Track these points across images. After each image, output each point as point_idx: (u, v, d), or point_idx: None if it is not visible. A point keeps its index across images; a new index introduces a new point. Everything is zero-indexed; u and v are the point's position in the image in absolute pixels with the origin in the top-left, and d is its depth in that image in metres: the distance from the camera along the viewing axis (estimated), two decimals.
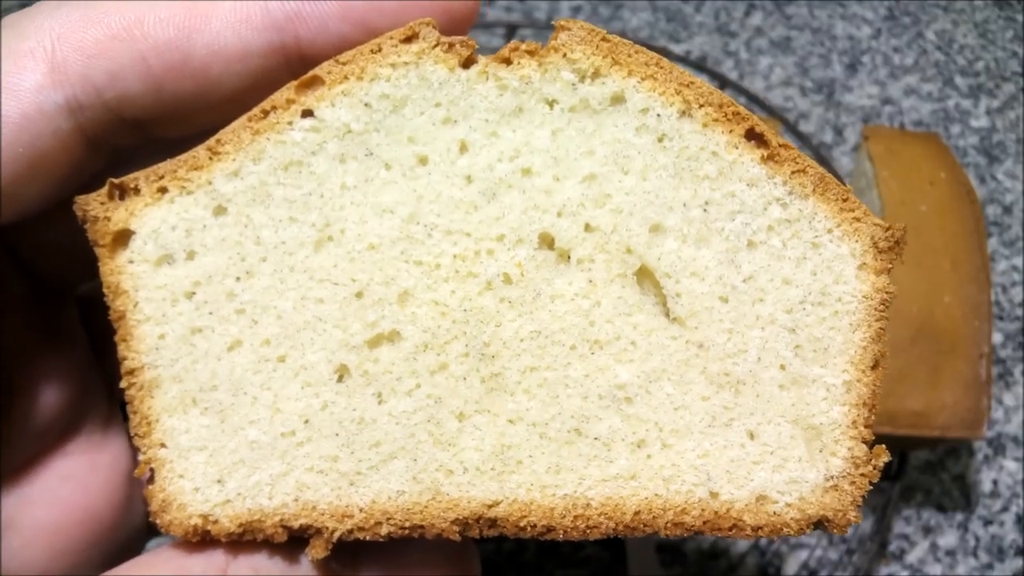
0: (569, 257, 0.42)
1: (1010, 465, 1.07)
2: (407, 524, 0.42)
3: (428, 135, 0.41)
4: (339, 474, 0.42)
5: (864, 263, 0.41)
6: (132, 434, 0.41)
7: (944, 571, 1.02)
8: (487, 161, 0.41)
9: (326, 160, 0.40)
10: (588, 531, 0.42)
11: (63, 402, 0.45)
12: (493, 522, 0.42)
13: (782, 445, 0.42)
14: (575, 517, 0.42)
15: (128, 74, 0.38)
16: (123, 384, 0.41)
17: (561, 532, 0.42)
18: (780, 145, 0.41)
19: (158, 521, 0.41)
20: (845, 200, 0.41)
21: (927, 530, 1.04)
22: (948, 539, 1.04)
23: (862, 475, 0.42)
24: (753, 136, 0.41)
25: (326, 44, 0.40)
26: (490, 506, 0.42)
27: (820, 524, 0.43)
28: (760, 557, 0.99)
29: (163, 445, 0.41)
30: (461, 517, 0.42)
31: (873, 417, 0.42)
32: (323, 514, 0.42)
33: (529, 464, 0.42)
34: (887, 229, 0.41)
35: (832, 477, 0.42)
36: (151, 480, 0.41)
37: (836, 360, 0.42)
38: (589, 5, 1.25)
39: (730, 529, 0.42)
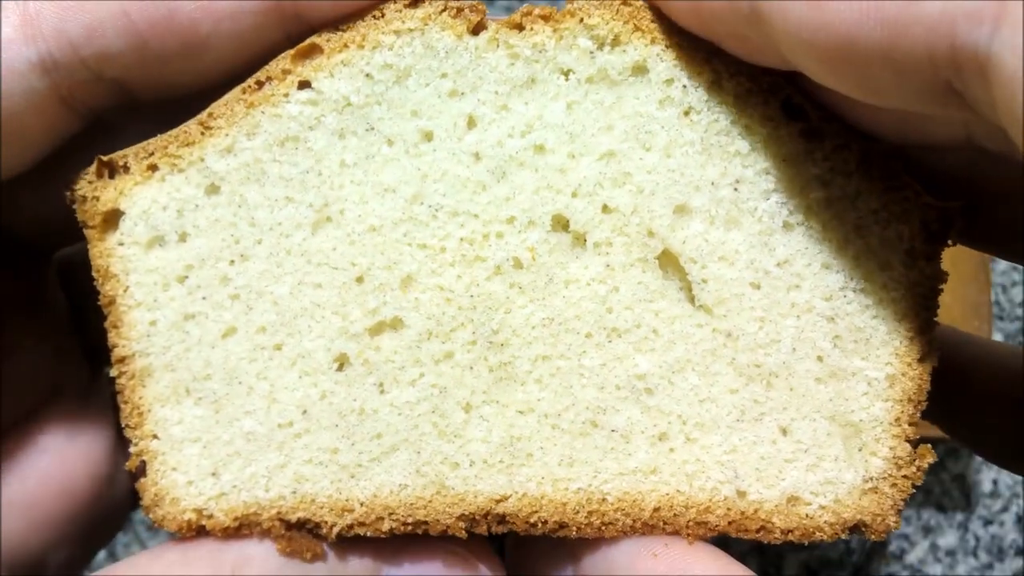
0: (585, 241, 0.38)
1: None
2: (410, 520, 0.39)
3: (433, 108, 0.37)
4: (339, 466, 0.39)
5: (913, 247, 0.37)
6: (123, 425, 0.39)
7: (944, 571, 1.00)
8: (496, 137, 0.37)
9: (324, 135, 0.37)
10: (603, 528, 0.39)
11: (39, 370, 0.43)
12: (502, 518, 0.39)
13: (817, 443, 0.38)
14: (589, 513, 0.39)
15: (108, 29, 0.34)
16: (113, 372, 0.39)
17: (574, 529, 0.39)
18: (821, 118, 0.36)
19: (151, 516, 0.39)
20: (893, 178, 0.37)
21: (927, 530, 1.02)
22: (948, 539, 1.02)
23: (904, 477, 0.38)
24: (791, 108, 0.37)
25: (325, 2, 0.36)
26: (498, 501, 0.39)
27: (856, 529, 0.39)
28: (760, 557, 0.96)
29: (155, 436, 0.39)
30: (467, 513, 0.38)
31: (919, 414, 0.38)
32: (322, 507, 0.39)
33: (540, 456, 0.39)
34: (940, 210, 0.36)
35: (871, 478, 0.38)
36: (143, 473, 0.39)
37: (879, 352, 0.38)
38: None
39: (758, 531, 0.39)
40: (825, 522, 0.39)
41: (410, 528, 0.39)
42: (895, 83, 0.28)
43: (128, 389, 0.39)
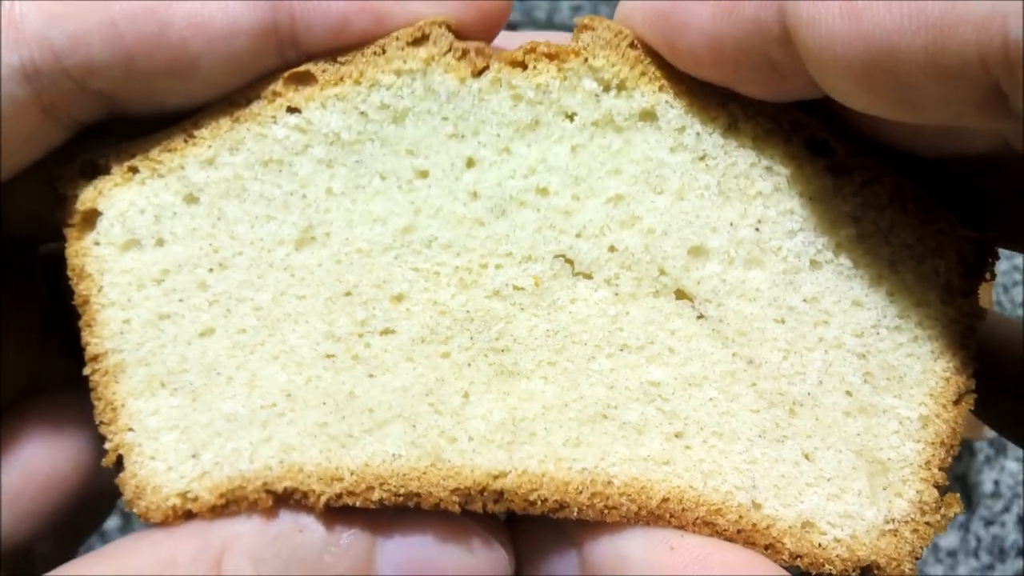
0: (592, 276, 0.36)
1: (1011, 466, 1.03)
2: (402, 491, 0.36)
3: (430, 148, 0.35)
4: (328, 436, 0.37)
5: (950, 282, 0.34)
6: (97, 422, 0.38)
7: (945, 571, 0.99)
8: (496, 178, 0.35)
9: (311, 163, 0.35)
10: (606, 512, 0.36)
11: (24, 361, 0.42)
12: (499, 495, 0.36)
13: (841, 474, 0.36)
14: (593, 495, 0.36)
15: (94, 39, 0.32)
16: (87, 371, 0.37)
17: (576, 510, 0.36)
18: (848, 152, 0.34)
19: (134, 509, 0.38)
20: (928, 211, 0.34)
21: None
22: (949, 540, 1.01)
23: (927, 524, 0.36)
24: (815, 144, 0.34)
25: (325, 28, 0.34)
26: (496, 477, 0.36)
27: (868, 570, 0.36)
28: None
29: (130, 429, 0.38)
30: (463, 487, 0.36)
31: (950, 460, 0.35)
32: (310, 476, 0.36)
33: (544, 436, 0.36)
34: (977, 242, 0.34)
35: (893, 520, 0.36)
36: (121, 468, 0.38)
37: (913, 391, 0.35)
38: (590, 5, 1.18)
39: (765, 547, 0.36)
40: (837, 556, 0.36)
41: (401, 500, 0.36)
42: (939, 93, 0.26)
43: (101, 386, 0.37)
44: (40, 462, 0.41)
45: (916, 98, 0.27)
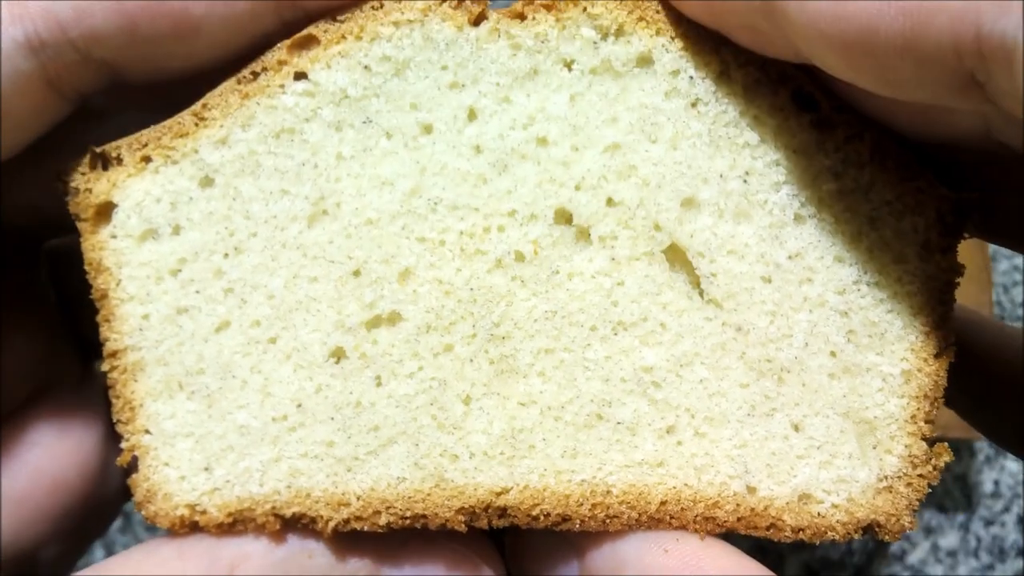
0: (589, 235, 0.36)
1: (1011, 465, 1.03)
2: (408, 514, 0.37)
3: (433, 101, 0.36)
4: (335, 459, 0.37)
5: (928, 240, 0.35)
6: (115, 420, 0.38)
7: (945, 572, 0.98)
8: (498, 129, 0.36)
9: (320, 128, 0.36)
10: (608, 521, 0.37)
11: (30, 362, 0.41)
12: (503, 511, 0.37)
13: (830, 440, 0.37)
14: (594, 505, 0.37)
15: (97, 9, 0.32)
16: (105, 367, 0.37)
17: (578, 522, 0.37)
18: (832, 107, 0.35)
19: (143, 512, 0.38)
20: (907, 168, 0.35)
21: (928, 531, 1.00)
22: (949, 540, 1.00)
23: (920, 476, 0.36)
24: (801, 98, 0.35)
25: None
26: (499, 493, 0.37)
27: (869, 529, 0.37)
28: (761, 557, 0.94)
29: (147, 431, 0.38)
30: (467, 506, 0.37)
31: (935, 411, 0.36)
32: (318, 502, 0.37)
33: (542, 448, 0.37)
34: (955, 201, 0.35)
35: (886, 477, 0.37)
36: (135, 468, 0.38)
37: (894, 347, 0.36)
38: None
39: (768, 528, 0.37)
40: (837, 521, 0.37)
41: (408, 523, 0.37)
42: (916, 75, 0.27)
43: (120, 384, 0.37)
44: (46, 466, 0.41)
45: (895, 77, 0.28)
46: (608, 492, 0.37)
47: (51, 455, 0.41)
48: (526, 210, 0.36)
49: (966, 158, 0.35)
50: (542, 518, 0.37)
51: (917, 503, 0.36)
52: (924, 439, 0.36)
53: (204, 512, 0.38)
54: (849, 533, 0.37)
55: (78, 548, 0.46)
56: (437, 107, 0.36)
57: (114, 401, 0.38)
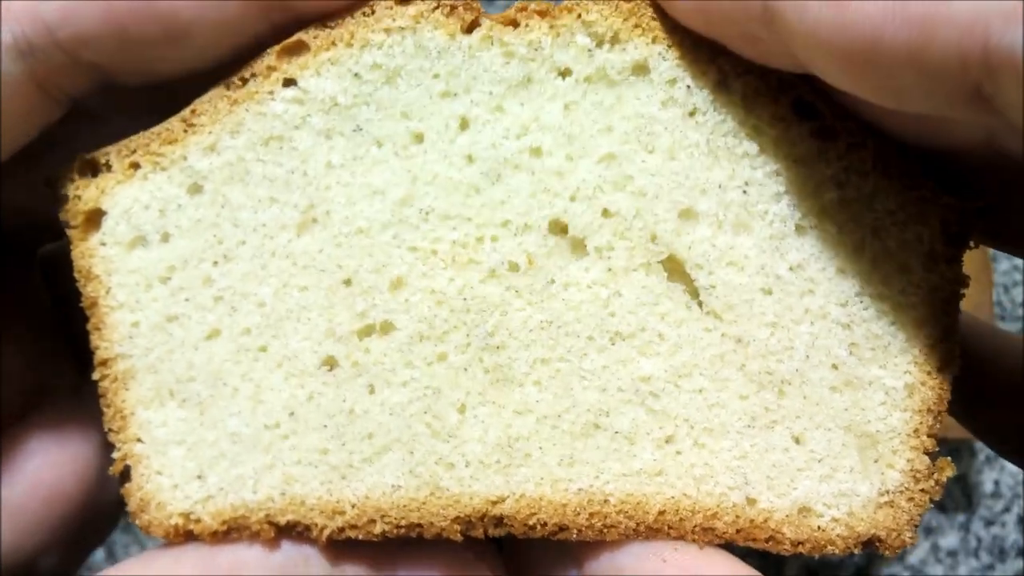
0: (584, 245, 0.36)
1: (1011, 466, 1.02)
2: (403, 522, 0.36)
3: (424, 110, 0.35)
4: (329, 467, 0.36)
5: (933, 249, 0.34)
6: (106, 429, 0.37)
7: (946, 572, 0.98)
8: (490, 139, 0.35)
9: (310, 135, 0.35)
10: (605, 531, 0.36)
11: (25, 370, 0.41)
12: (499, 520, 0.36)
13: (832, 453, 0.36)
14: (591, 515, 0.36)
15: (85, 11, 0.32)
16: (96, 375, 0.37)
17: (575, 531, 0.36)
18: (834, 115, 0.34)
19: (137, 522, 0.37)
20: (911, 177, 0.34)
21: (928, 531, 0.99)
22: (949, 540, 0.99)
23: (922, 491, 0.36)
24: (802, 106, 0.34)
25: None
26: (495, 502, 0.36)
27: (870, 543, 0.36)
28: (761, 558, 0.94)
29: (139, 440, 0.37)
30: (463, 515, 0.36)
31: (938, 426, 0.35)
32: (312, 509, 0.36)
33: (539, 457, 0.36)
34: (960, 210, 0.34)
35: (887, 491, 0.36)
36: (128, 478, 0.38)
37: (897, 360, 0.35)
38: None
39: (767, 541, 0.36)
40: (837, 535, 0.36)
41: (403, 532, 0.36)
42: (920, 87, 0.26)
43: (111, 392, 0.37)
44: (43, 475, 0.40)
45: (898, 88, 0.27)
46: (606, 501, 0.36)
47: (49, 464, 0.41)
48: (520, 220, 0.35)
49: (968, 162, 0.35)
50: (539, 527, 0.36)
51: (919, 518, 0.35)
52: (927, 453, 0.35)
53: (198, 520, 0.37)
54: (849, 547, 0.36)
55: (77, 556, 0.46)
56: (428, 116, 0.35)
57: (105, 410, 0.37)
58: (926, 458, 0.35)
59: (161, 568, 0.36)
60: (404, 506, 0.36)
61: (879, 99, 0.28)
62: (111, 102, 0.37)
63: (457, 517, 0.36)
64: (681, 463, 0.36)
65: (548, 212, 0.35)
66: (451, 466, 0.36)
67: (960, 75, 0.25)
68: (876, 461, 0.36)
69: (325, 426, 0.37)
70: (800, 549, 0.36)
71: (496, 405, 0.36)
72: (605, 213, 0.35)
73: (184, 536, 0.37)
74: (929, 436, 0.35)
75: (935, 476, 0.35)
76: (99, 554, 0.82)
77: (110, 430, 0.37)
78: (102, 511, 0.43)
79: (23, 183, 0.37)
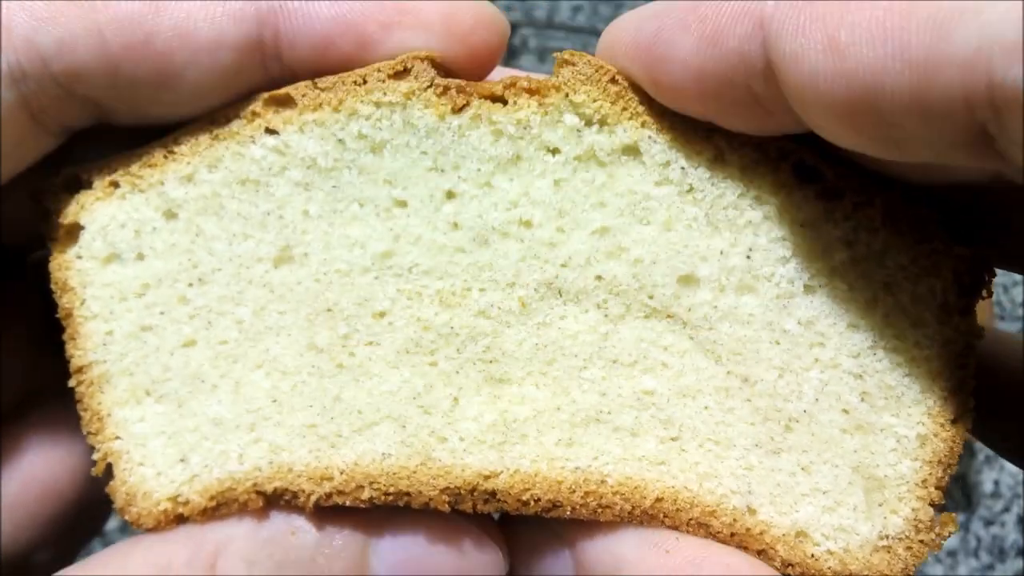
0: (579, 303, 0.35)
1: (1011, 466, 1.02)
2: (392, 490, 0.36)
3: (409, 180, 0.34)
4: (318, 437, 0.36)
5: (946, 301, 0.34)
6: (85, 432, 0.38)
7: (945, 571, 0.98)
8: (477, 211, 0.34)
9: (288, 185, 0.35)
10: (599, 511, 0.36)
11: (18, 372, 0.41)
12: (491, 495, 0.36)
13: (837, 488, 0.36)
14: (586, 493, 0.36)
15: (80, 45, 0.32)
16: (72, 382, 0.37)
17: (569, 509, 0.36)
18: (837, 175, 0.33)
19: (126, 517, 0.37)
20: (922, 230, 0.33)
21: None
22: (949, 540, 0.99)
23: (921, 542, 0.35)
24: (804, 170, 0.33)
25: (308, 47, 0.34)
26: (487, 477, 0.36)
27: None
28: None
29: (117, 438, 0.37)
30: (453, 486, 0.35)
31: (947, 479, 0.35)
32: (300, 476, 0.36)
33: (536, 437, 0.36)
34: (972, 260, 0.33)
35: (887, 536, 0.35)
36: (111, 476, 0.38)
37: (911, 410, 0.35)
38: (589, 5, 1.17)
39: (758, 553, 0.36)
40: (829, 568, 0.36)
41: (391, 499, 0.36)
42: (923, 133, 0.25)
43: (87, 397, 0.37)
44: (39, 470, 0.41)
45: (900, 137, 0.26)
46: (603, 481, 0.36)
47: (42, 461, 0.41)
48: (508, 280, 0.35)
49: (970, 190, 0.34)
50: (532, 503, 0.36)
51: (913, 569, 0.35)
52: (932, 505, 0.35)
53: (186, 502, 0.37)
54: None
55: (72, 550, 0.46)
56: (413, 185, 0.34)
57: (82, 415, 0.37)
58: (931, 510, 0.35)
59: (149, 546, 0.36)
60: (394, 474, 0.36)
61: (881, 152, 0.28)
62: (106, 136, 0.37)
63: (447, 488, 0.36)
64: (686, 458, 0.36)
65: (539, 276, 0.35)
66: (444, 439, 0.36)
67: (965, 116, 0.24)
68: (881, 505, 0.35)
69: (311, 406, 0.36)
70: (789, 571, 0.36)
71: (492, 396, 0.36)
72: (599, 278, 0.35)
73: (175, 521, 0.37)
74: (937, 488, 0.35)
75: (937, 529, 0.35)
76: (97, 549, 0.83)
77: (89, 433, 0.37)
78: (95, 505, 0.44)
79: (19, 197, 0.37)
